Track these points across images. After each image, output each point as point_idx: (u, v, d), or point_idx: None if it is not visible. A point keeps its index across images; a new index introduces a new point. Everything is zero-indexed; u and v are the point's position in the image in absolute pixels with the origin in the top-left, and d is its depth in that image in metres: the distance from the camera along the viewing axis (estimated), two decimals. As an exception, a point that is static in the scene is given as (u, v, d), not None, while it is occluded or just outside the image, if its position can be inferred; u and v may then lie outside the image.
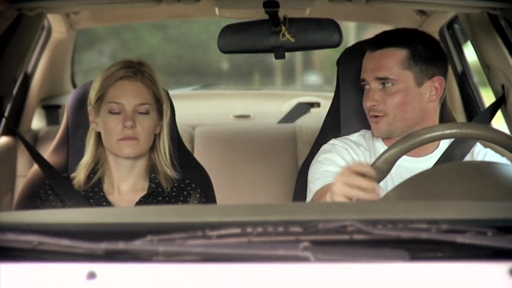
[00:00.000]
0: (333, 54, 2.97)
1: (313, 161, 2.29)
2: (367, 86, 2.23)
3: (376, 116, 2.21)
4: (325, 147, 2.30)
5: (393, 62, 2.19)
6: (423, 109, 2.21)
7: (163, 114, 2.32)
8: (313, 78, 6.98)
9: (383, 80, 2.19)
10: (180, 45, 6.44)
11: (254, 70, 6.23)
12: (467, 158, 2.25)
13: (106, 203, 2.29)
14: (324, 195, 2.08)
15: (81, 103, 2.39)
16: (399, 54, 2.19)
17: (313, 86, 6.89)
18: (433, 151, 2.26)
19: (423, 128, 1.89)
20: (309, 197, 2.22)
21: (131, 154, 2.25)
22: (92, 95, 2.30)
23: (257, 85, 6.23)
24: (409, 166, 2.15)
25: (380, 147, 2.27)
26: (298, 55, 6.32)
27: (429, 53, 2.21)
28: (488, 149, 2.27)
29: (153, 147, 2.34)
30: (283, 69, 6.41)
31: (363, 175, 1.75)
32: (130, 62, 2.30)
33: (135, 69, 2.27)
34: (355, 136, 2.34)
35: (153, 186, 2.32)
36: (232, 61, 5.85)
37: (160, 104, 2.31)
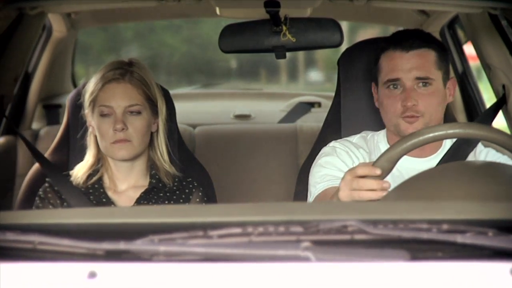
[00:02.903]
0: (334, 55, 2.99)
1: (313, 164, 2.28)
2: (397, 86, 2.20)
3: (411, 116, 2.17)
4: (325, 150, 2.29)
5: (430, 62, 2.20)
6: (444, 109, 2.25)
7: (158, 112, 2.32)
8: (314, 75, 7.22)
9: (424, 80, 2.18)
10: (194, 45, 6.67)
11: (261, 68, 6.42)
12: (470, 158, 2.25)
13: (106, 199, 2.30)
14: (326, 199, 2.08)
15: (81, 103, 2.39)
16: (432, 55, 2.21)
17: (315, 83, 7.12)
18: (436, 152, 2.26)
19: (425, 127, 1.88)
20: (310, 200, 2.21)
21: (125, 156, 2.25)
22: (85, 98, 2.30)
23: (263, 81, 6.37)
24: (412, 166, 2.15)
25: (384, 147, 2.26)
26: (301, 56, 6.51)
27: (447, 54, 2.26)
28: (489, 148, 2.28)
29: (151, 145, 2.34)
30: (287, 67, 6.62)
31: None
32: (120, 63, 2.29)
33: (123, 71, 2.26)
34: (355, 138, 2.32)
35: (154, 182, 2.32)
36: (240, 60, 6.03)
37: (154, 103, 2.31)
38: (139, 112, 2.26)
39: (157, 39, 6.98)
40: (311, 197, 2.20)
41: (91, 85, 2.28)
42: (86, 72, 4.31)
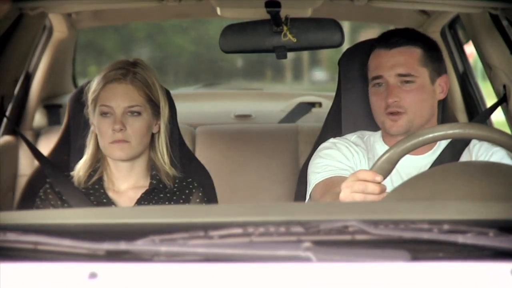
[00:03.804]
0: (337, 54, 3.00)
1: (313, 156, 2.31)
2: (381, 84, 2.24)
3: (394, 114, 2.20)
4: (324, 144, 2.33)
5: (413, 59, 2.22)
6: (433, 106, 2.26)
7: (160, 113, 2.32)
8: (318, 74, 7.42)
9: (405, 77, 2.21)
10: (201, 46, 6.84)
11: (266, 68, 6.59)
12: (464, 152, 2.26)
13: (107, 200, 2.29)
14: (325, 189, 2.10)
15: (81, 103, 2.40)
16: (416, 52, 2.24)
17: (319, 82, 7.33)
18: (431, 149, 2.27)
19: (426, 128, 1.90)
20: (309, 189, 2.23)
21: (122, 157, 2.25)
22: (88, 97, 2.30)
23: (268, 81, 6.53)
24: (409, 164, 2.16)
25: (379, 147, 2.28)
26: (305, 56, 6.66)
27: (437, 52, 2.28)
28: (482, 142, 2.29)
29: (151, 146, 2.34)
30: (292, 67, 6.80)
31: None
32: (124, 63, 2.29)
33: (125, 71, 2.26)
34: (353, 137, 2.36)
35: (154, 182, 2.32)
36: (246, 60, 6.18)
37: (156, 104, 2.30)
38: (139, 113, 2.25)
39: (167, 40, 7.15)
40: (310, 186, 2.23)
41: (94, 84, 2.28)
42: (98, 72, 4.35)
